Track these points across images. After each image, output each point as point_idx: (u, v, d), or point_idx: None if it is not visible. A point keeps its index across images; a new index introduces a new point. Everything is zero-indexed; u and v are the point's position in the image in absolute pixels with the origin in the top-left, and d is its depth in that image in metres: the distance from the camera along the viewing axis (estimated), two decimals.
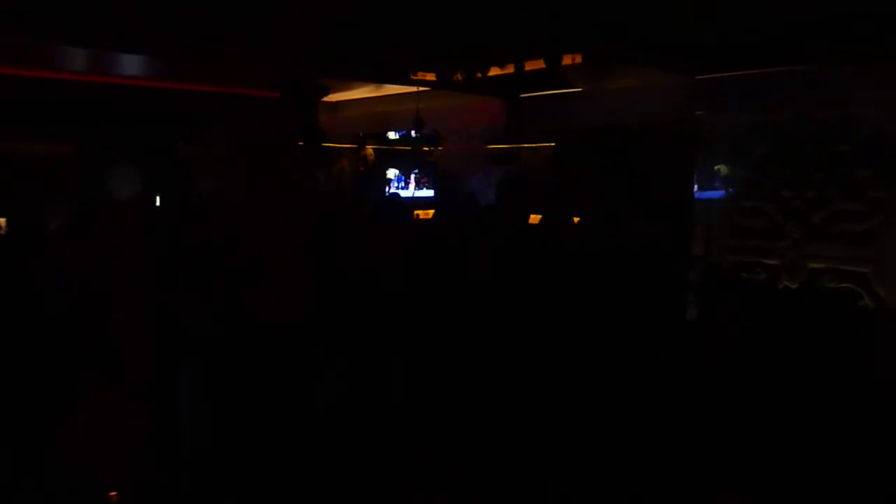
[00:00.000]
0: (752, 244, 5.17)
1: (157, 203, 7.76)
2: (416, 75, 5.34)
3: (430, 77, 5.29)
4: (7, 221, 4.99)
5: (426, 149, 10.19)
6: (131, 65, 5.72)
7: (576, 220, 5.05)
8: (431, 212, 5.67)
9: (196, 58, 5.25)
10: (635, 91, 5.47)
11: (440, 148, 9.52)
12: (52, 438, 2.56)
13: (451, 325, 3.30)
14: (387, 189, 9.69)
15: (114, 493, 1.98)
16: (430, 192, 9.52)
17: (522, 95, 5.52)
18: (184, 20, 4.07)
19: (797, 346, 3.49)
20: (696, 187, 5.52)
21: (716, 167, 5.39)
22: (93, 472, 2.31)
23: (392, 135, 9.36)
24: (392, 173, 9.71)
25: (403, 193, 9.37)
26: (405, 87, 5.89)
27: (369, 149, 9.59)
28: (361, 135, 9.15)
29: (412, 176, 9.83)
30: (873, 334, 3.72)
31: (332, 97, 7.09)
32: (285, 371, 3.18)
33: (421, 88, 5.64)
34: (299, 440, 2.86)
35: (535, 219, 4.19)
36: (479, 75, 4.98)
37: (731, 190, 5.33)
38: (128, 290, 3.52)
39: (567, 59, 4.74)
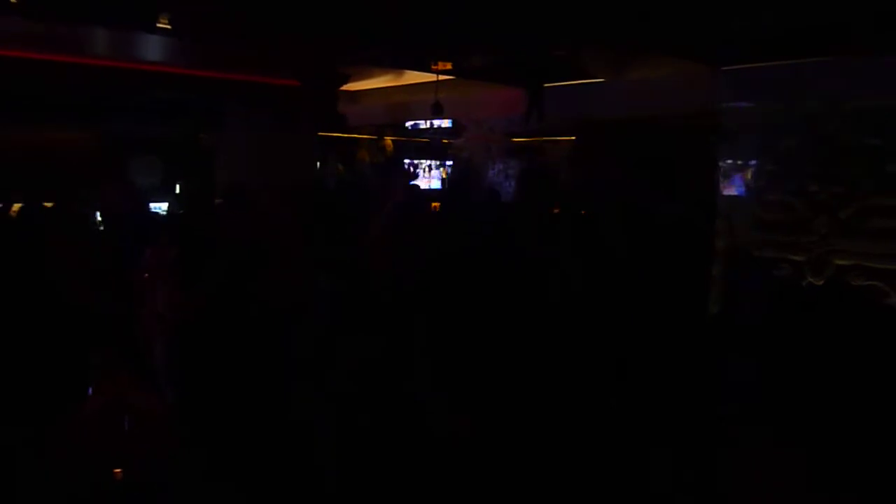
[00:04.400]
0: (776, 239, 5.06)
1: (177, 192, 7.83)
2: (437, 64, 5.29)
3: (448, 66, 5.24)
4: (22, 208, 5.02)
5: (446, 140, 10.16)
6: (152, 50, 5.73)
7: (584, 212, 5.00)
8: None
9: (217, 44, 5.24)
10: (659, 82, 5.38)
11: (460, 139, 9.49)
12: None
13: (476, 319, 3.26)
14: (406, 180, 9.67)
15: (118, 471, 1.96)
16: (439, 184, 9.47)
17: (545, 85, 5.44)
18: (205, 5, 4.06)
19: (821, 343, 3.41)
20: (720, 180, 5.41)
21: (741, 160, 5.28)
22: (102, 454, 2.31)
23: (411, 125, 9.33)
24: (410, 164, 9.70)
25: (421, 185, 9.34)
26: (425, 75, 5.83)
27: (388, 140, 9.58)
28: (380, 125, 9.14)
29: (431, 167, 9.81)
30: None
31: (352, 86, 7.06)
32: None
33: (441, 77, 5.58)
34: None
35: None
36: (492, 62, 4.91)
37: (756, 183, 5.22)
38: None
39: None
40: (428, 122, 8.82)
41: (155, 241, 4.61)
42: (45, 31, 4.81)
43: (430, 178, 9.75)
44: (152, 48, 5.71)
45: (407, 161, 9.64)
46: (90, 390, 2.91)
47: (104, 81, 6.34)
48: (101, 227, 4.89)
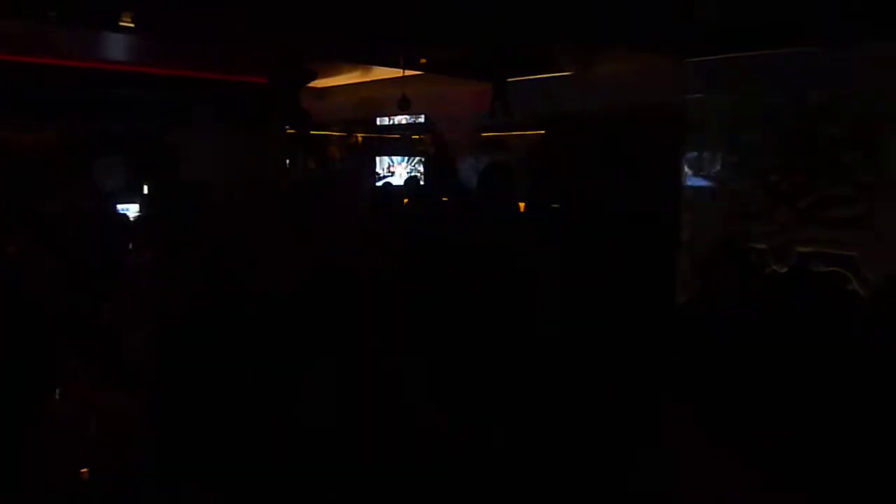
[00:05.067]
0: (739, 228, 5.17)
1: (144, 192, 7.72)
2: (407, 60, 5.29)
3: (422, 61, 5.24)
4: None
5: (415, 137, 10.15)
6: (117, 49, 5.65)
7: (555, 206, 5.05)
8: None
9: (183, 42, 5.19)
10: (625, 75, 5.44)
11: (428, 135, 9.48)
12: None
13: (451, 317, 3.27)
14: (377, 177, 9.66)
15: (84, 470, 1.95)
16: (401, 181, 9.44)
17: (510, 80, 5.48)
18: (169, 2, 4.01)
19: (785, 330, 3.48)
20: (684, 172, 5.51)
21: (705, 151, 5.38)
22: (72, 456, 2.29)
23: (381, 121, 9.32)
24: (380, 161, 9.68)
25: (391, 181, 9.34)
26: (392, 71, 5.84)
27: (358, 136, 9.55)
28: (349, 122, 9.11)
29: (400, 164, 9.80)
30: (861, 316, 3.72)
31: (319, 83, 7.03)
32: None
33: (408, 72, 5.59)
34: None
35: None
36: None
37: (720, 174, 5.32)
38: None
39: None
40: (398, 118, 8.83)
41: (125, 241, 4.58)
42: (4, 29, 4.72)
43: (399, 174, 9.74)
44: (116, 46, 5.63)
45: (382, 158, 9.64)
46: (56, 392, 2.87)
47: (68, 80, 6.25)
48: (67, 227, 4.81)
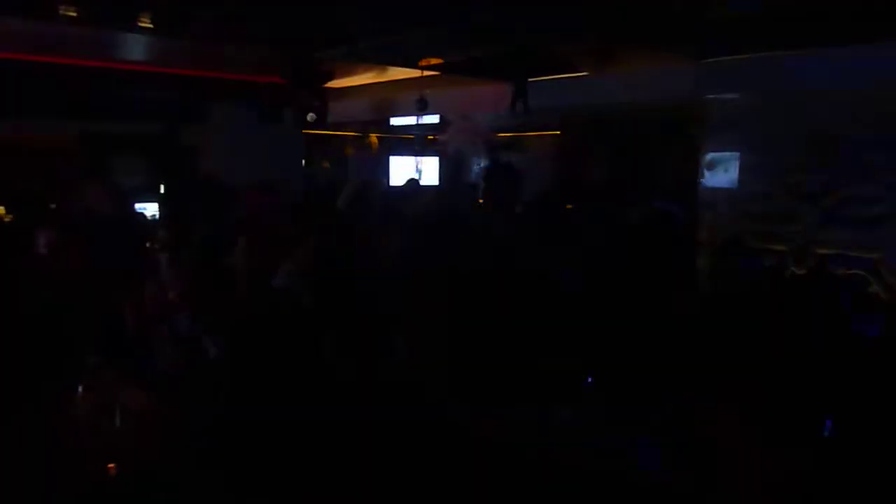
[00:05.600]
0: (759, 229, 5.12)
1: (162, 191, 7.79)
2: (424, 60, 5.29)
3: (438, 61, 5.24)
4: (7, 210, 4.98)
5: (430, 137, 10.18)
6: (134, 49, 5.69)
7: (568, 206, 5.03)
8: None
9: (200, 41, 5.21)
10: (642, 75, 5.41)
11: (444, 137, 9.50)
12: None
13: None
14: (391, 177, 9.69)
15: (112, 465, 1.96)
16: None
17: (529, 80, 5.46)
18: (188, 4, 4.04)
19: (803, 332, 3.45)
20: (703, 172, 5.46)
21: (724, 151, 5.34)
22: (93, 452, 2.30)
23: (396, 122, 9.33)
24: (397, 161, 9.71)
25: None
26: (409, 72, 5.83)
27: (373, 136, 9.58)
28: (365, 122, 9.13)
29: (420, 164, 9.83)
30: (882, 321, 3.68)
31: (336, 83, 7.05)
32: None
33: (426, 73, 5.59)
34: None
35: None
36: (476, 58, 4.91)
37: (739, 175, 5.27)
38: None
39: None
40: (414, 118, 8.84)
41: (146, 241, 4.63)
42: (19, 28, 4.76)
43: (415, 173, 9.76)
44: (134, 47, 5.67)
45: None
46: (80, 389, 2.89)
47: (86, 80, 6.30)
48: (87, 227, 4.85)
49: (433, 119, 8.90)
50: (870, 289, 4.61)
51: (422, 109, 5.31)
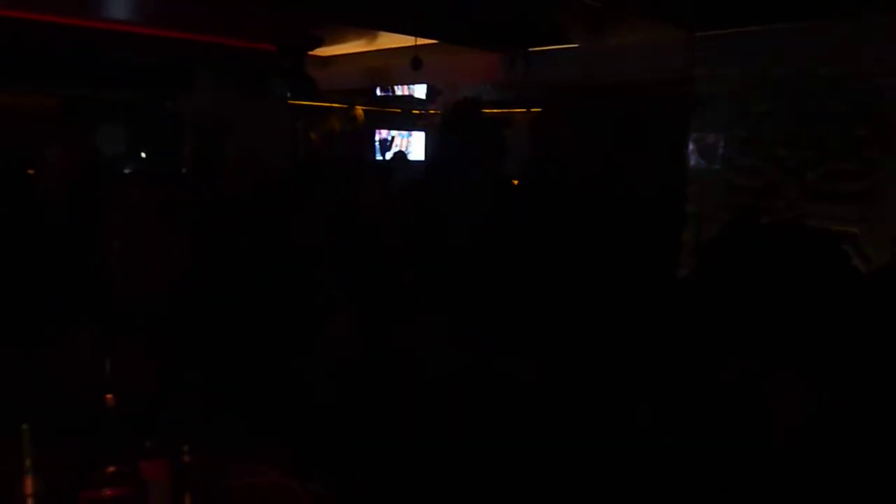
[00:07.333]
0: (746, 203, 5.18)
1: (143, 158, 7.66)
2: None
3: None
4: None
5: (416, 112, 10.10)
6: (117, 8, 5.56)
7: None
8: None
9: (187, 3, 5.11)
10: (634, 48, 5.42)
11: (431, 110, 9.44)
12: None
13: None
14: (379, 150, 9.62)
15: (110, 396, 1.92)
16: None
17: (530, 50, 5.38)
18: None
19: (786, 304, 3.49)
20: (692, 146, 5.51)
21: (713, 126, 5.38)
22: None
23: (381, 93, 9.25)
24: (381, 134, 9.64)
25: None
26: (401, 40, 5.78)
27: (359, 109, 9.47)
28: (351, 93, 9.03)
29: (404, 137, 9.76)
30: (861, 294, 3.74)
31: (324, 51, 6.95)
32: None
33: (419, 41, 5.53)
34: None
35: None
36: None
37: (728, 149, 5.33)
38: None
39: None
40: (403, 87, 8.76)
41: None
42: None
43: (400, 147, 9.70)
44: (118, 6, 5.55)
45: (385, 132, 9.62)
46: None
47: (66, 40, 6.12)
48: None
49: (420, 92, 8.85)
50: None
51: (416, 68, 5.24)
